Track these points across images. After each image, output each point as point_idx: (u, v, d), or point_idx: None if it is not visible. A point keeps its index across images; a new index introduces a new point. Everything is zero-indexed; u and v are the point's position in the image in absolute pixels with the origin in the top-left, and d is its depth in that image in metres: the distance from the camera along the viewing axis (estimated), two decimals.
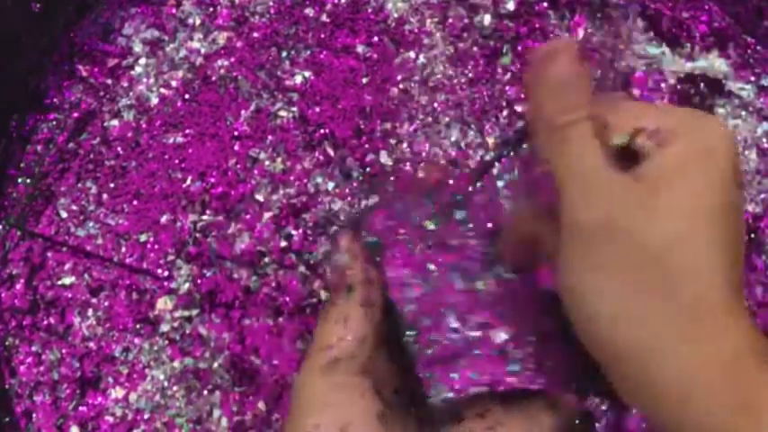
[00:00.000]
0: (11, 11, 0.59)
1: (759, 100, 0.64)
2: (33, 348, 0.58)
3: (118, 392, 0.56)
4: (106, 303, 0.58)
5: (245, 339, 0.57)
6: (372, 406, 0.37)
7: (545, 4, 0.68)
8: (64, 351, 0.57)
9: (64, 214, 0.60)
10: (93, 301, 0.58)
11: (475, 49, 0.66)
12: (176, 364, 0.57)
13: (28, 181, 0.60)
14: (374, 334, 0.40)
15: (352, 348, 0.39)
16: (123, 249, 0.59)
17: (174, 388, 0.57)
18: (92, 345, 0.58)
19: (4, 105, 0.62)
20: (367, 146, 0.63)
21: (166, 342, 0.57)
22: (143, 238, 0.60)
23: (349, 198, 0.61)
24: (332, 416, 0.36)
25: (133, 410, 0.56)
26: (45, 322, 0.58)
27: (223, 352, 0.57)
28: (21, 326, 0.58)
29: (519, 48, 0.66)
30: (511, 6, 0.68)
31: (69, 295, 0.59)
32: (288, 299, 0.58)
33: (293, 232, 0.60)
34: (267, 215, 0.60)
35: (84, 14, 0.65)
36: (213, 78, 0.64)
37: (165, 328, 0.58)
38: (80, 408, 0.56)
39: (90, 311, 0.58)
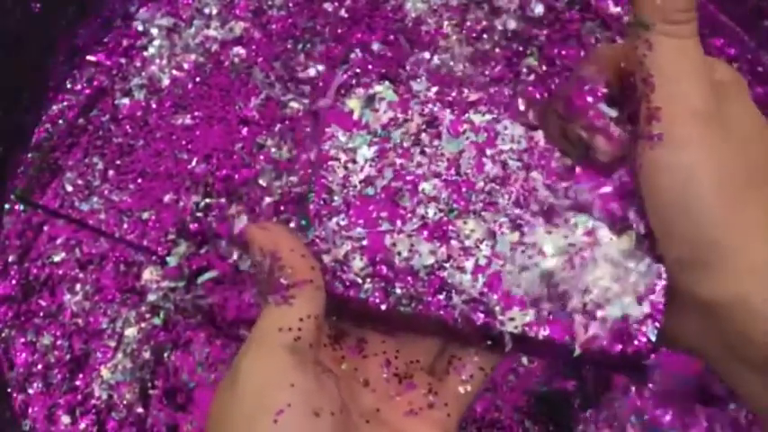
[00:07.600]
0: (11, 11, 0.59)
1: None
2: (28, 338, 0.58)
3: (104, 373, 0.56)
4: (94, 276, 0.59)
5: (226, 312, 0.57)
6: (338, 398, 0.33)
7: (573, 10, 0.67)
8: (57, 333, 0.57)
9: (69, 188, 0.61)
10: (81, 275, 0.59)
11: (497, 50, 0.65)
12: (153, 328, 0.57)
13: (36, 153, 0.62)
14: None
15: (314, 334, 0.34)
16: (125, 226, 0.60)
17: (146, 350, 0.57)
18: (80, 321, 0.57)
19: (10, 93, 0.62)
20: None
21: (150, 309, 0.57)
22: (145, 215, 0.60)
23: None
24: (302, 397, 0.32)
25: (115, 387, 0.56)
26: (37, 305, 0.58)
27: (203, 318, 0.57)
28: (17, 315, 0.58)
29: (545, 50, 0.65)
30: (539, 10, 0.67)
31: (60, 272, 0.59)
32: None
33: (290, 218, 0.59)
34: (268, 200, 0.60)
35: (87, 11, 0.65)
36: (226, 64, 0.64)
37: (151, 297, 0.57)
38: (69, 393, 0.56)
39: (78, 286, 0.58)
